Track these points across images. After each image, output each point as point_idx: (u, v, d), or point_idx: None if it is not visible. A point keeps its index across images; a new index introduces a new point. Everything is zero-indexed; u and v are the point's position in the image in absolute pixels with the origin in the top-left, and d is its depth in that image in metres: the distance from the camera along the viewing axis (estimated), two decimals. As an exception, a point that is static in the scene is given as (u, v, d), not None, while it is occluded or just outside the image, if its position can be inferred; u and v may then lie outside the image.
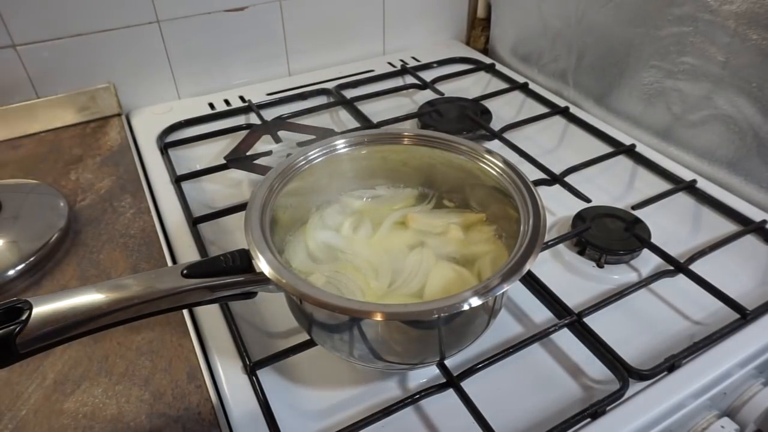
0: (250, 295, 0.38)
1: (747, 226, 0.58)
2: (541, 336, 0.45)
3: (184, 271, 0.36)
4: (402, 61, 0.93)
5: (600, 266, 0.54)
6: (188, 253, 0.55)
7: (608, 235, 0.55)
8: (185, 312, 0.49)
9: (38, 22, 0.69)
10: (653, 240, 0.54)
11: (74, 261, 0.55)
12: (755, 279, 0.53)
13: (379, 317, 0.33)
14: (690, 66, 0.64)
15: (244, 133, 0.72)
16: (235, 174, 0.65)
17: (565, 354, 0.46)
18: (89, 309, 0.32)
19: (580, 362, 0.46)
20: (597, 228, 0.56)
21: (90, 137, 0.74)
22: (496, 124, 0.73)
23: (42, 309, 0.31)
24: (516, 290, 0.51)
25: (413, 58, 0.94)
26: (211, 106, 0.81)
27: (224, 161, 0.66)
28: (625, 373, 0.42)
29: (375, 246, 0.47)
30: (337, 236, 0.47)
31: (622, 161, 0.68)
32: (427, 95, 0.81)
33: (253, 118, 0.77)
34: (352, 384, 0.44)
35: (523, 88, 0.83)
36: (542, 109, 0.78)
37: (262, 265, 0.36)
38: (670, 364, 0.43)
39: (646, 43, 0.69)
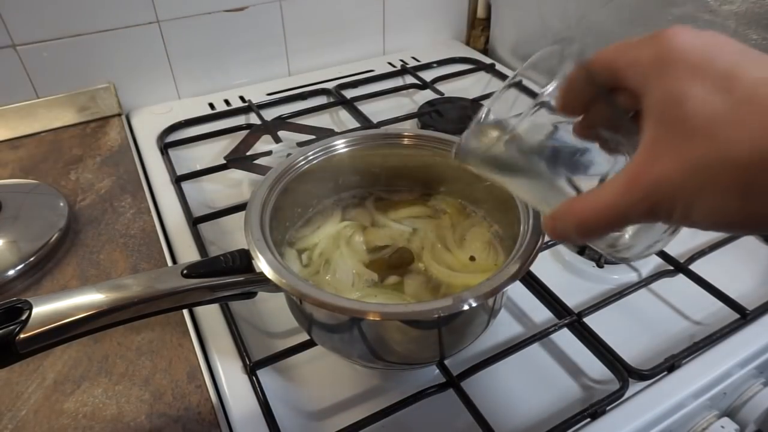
0: (250, 295, 0.38)
1: (747, 226, 0.58)
2: (541, 336, 0.45)
3: (184, 271, 0.36)
4: (402, 61, 0.93)
5: (600, 266, 0.54)
6: (188, 253, 0.55)
7: (608, 235, 0.55)
8: (185, 312, 0.49)
9: (38, 22, 0.69)
10: (653, 240, 0.54)
11: (74, 261, 0.55)
12: (755, 279, 0.53)
13: (378, 317, 0.33)
14: (690, 66, 0.64)
15: (244, 133, 0.72)
16: (235, 174, 0.65)
17: (565, 354, 0.46)
18: (89, 309, 0.32)
19: (580, 362, 0.46)
20: (597, 228, 0.56)
21: (90, 137, 0.74)
22: (496, 124, 0.73)
23: (42, 309, 0.31)
24: (516, 290, 0.51)
25: (413, 58, 0.94)
26: (211, 106, 0.81)
27: (224, 161, 0.66)
28: (625, 373, 0.42)
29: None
30: (336, 238, 0.47)
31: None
32: (427, 95, 0.81)
33: (253, 118, 0.77)
34: (352, 384, 0.44)
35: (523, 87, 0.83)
36: (542, 109, 0.78)
37: (262, 265, 0.36)
38: (670, 364, 0.43)
39: (646, 43, 0.69)
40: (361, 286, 0.43)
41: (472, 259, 0.45)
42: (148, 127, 0.75)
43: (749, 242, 0.57)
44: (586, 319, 0.47)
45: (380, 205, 0.50)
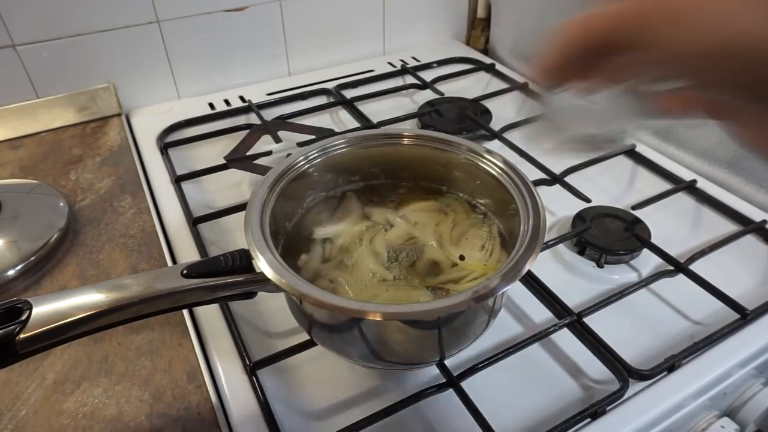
0: (250, 295, 0.38)
1: (747, 226, 0.58)
2: (541, 336, 0.45)
3: (184, 271, 0.36)
4: (402, 61, 0.93)
5: (600, 266, 0.54)
6: (188, 253, 0.55)
7: (608, 235, 0.55)
8: (185, 312, 0.49)
9: (38, 22, 0.69)
10: (653, 240, 0.54)
11: (74, 261, 0.55)
12: (755, 279, 0.53)
13: (378, 317, 0.33)
14: (690, 66, 0.64)
15: (244, 133, 0.72)
16: (235, 174, 0.65)
17: (565, 354, 0.46)
18: (89, 309, 0.32)
19: (580, 362, 0.46)
20: (597, 228, 0.56)
21: (90, 137, 0.74)
22: (496, 124, 0.73)
23: (42, 309, 0.31)
24: (516, 290, 0.51)
25: (413, 58, 0.94)
26: (211, 106, 0.81)
27: (224, 161, 0.66)
28: (625, 373, 0.42)
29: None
30: (337, 238, 0.47)
31: (622, 161, 0.68)
32: (427, 95, 0.81)
33: (253, 118, 0.76)
34: (352, 384, 0.44)
35: (523, 88, 0.83)
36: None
37: (262, 265, 0.36)
38: (670, 364, 0.43)
39: (646, 43, 0.69)
40: (375, 282, 0.43)
41: (461, 258, 0.45)
42: (148, 127, 0.75)
43: (749, 242, 0.57)
44: (586, 319, 0.47)
45: (384, 202, 0.50)
